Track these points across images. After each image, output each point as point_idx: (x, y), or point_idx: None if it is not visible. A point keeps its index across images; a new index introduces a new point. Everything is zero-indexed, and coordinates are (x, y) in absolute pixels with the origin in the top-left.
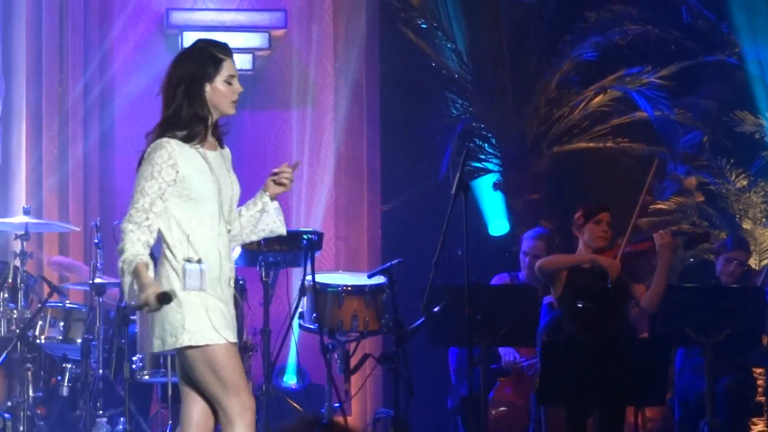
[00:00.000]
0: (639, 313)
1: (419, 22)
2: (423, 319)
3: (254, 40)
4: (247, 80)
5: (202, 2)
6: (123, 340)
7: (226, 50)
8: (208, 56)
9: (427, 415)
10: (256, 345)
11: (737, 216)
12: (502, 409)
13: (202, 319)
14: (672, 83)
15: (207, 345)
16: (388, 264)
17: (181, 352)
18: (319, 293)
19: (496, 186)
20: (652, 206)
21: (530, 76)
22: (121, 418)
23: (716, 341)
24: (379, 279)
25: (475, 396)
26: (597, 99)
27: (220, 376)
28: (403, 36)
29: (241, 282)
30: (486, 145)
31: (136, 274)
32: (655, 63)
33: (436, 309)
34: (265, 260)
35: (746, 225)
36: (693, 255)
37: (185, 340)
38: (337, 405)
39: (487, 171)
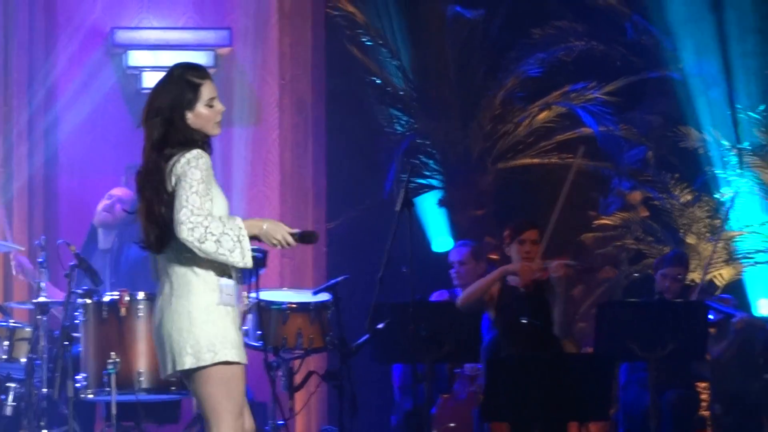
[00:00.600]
0: (584, 329)
1: (364, 40)
2: (367, 336)
3: (199, 58)
4: None
5: (147, 21)
6: (67, 359)
7: (202, 73)
8: (186, 83)
9: None
10: None
11: (681, 231)
12: (446, 425)
13: (234, 335)
14: (617, 99)
15: (237, 363)
16: (332, 281)
17: (202, 370)
18: (263, 310)
19: (441, 202)
20: (596, 221)
21: (475, 92)
22: None
23: (660, 356)
24: (324, 296)
25: (419, 412)
26: (542, 115)
27: (232, 396)
28: (348, 53)
29: None
30: (431, 161)
31: (244, 230)
32: (600, 79)
33: (380, 326)
34: None
35: (690, 240)
36: (637, 270)
37: (223, 356)
38: (281, 422)
39: (432, 187)
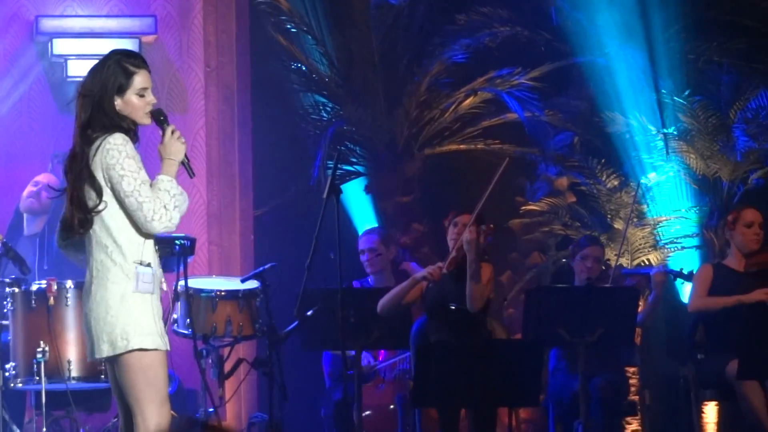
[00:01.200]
0: (513, 315)
1: (289, 27)
2: (296, 323)
3: (124, 45)
4: None
5: (72, 9)
6: None
7: (139, 61)
8: (120, 68)
9: (301, 420)
10: None
11: (608, 216)
12: (368, 413)
13: (150, 323)
14: (542, 84)
15: (155, 350)
16: (261, 268)
17: (120, 357)
18: (192, 298)
19: (368, 189)
20: (523, 208)
21: (400, 79)
22: None
23: (589, 341)
24: (253, 283)
25: (349, 400)
26: (467, 101)
27: (153, 383)
28: (273, 40)
29: None
30: (357, 148)
31: (174, 183)
32: (525, 64)
33: (309, 313)
34: None
35: (617, 225)
36: (565, 256)
37: (136, 343)
38: (211, 410)
39: (359, 174)
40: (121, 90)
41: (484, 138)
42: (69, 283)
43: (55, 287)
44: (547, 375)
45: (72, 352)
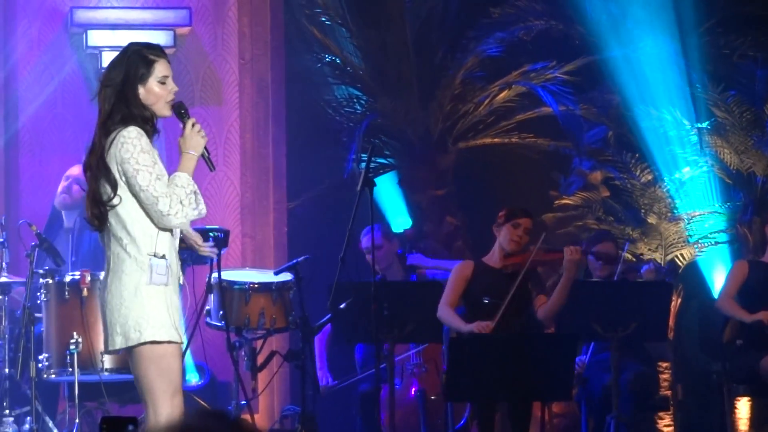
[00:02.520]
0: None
1: (323, 19)
2: (330, 315)
3: (159, 38)
4: None
5: (107, 0)
6: (29, 339)
7: (158, 51)
8: (140, 57)
9: (333, 412)
10: None
11: (642, 211)
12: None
13: (163, 315)
14: (576, 78)
15: (168, 342)
16: (294, 261)
17: (134, 349)
18: (225, 291)
19: (401, 182)
20: (557, 201)
21: (434, 72)
22: (28, 418)
23: (622, 335)
24: (286, 276)
25: (376, 392)
26: (502, 95)
27: (166, 375)
28: (307, 33)
29: None
30: (391, 141)
31: (191, 181)
32: (560, 58)
33: (342, 305)
34: None
35: (651, 219)
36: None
37: (149, 335)
38: (243, 402)
39: (392, 167)
40: (143, 78)
41: (518, 132)
42: (103, 275)
43: (89, 278)
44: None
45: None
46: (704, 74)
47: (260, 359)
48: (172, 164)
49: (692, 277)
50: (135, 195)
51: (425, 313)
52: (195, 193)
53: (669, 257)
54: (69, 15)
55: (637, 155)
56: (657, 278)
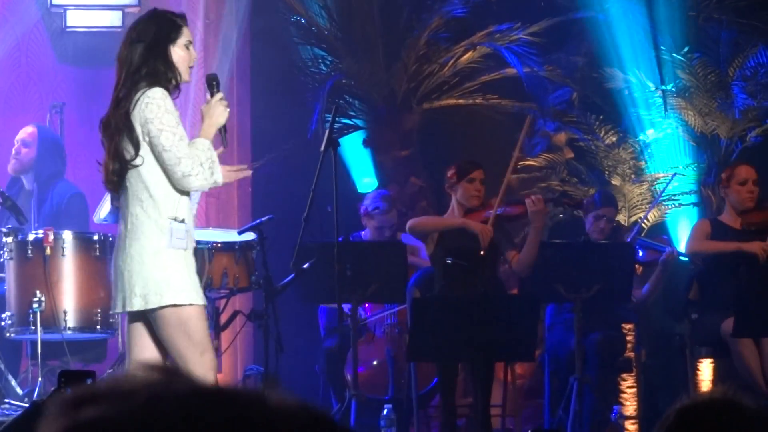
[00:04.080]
0: (509, 270)
1: None
2: (293, 275)
3: None
4: (117, 37)
5: None
6: None
7: (183, 18)
8: (168, 20)
9: (297, 373)
10: None
11: (606, 172)
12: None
13: (184, 278)
14: (541, 40)
15: (189, 305)
16: (258, 221)
17: (155, 312)
18: None
19: (366, 143)
20: (521, 162)
21: (400, 32)
22: None
23: (586, 297)
24: (249, 235)
25: (342, 351)
26: (466, 56)
27: (192, 336)
28: None
29: (111, 239)
30: (355, 101)
31: (211, 147)
32: (525, 19)
33: (306, 266)
34: None
35: (615, 181)
36: (562, 212)
37: (170, 299)
38: None
39: (357, 128)
40: (174, 39)
41: (482, 93)
42: (66, 233)
43: (52, 237)
44: (543, 330)
45: (68, 302)
46: (669, 36)
47: (223, 319)
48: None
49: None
50: (157, 155)
51: (389, 273)
52: (213, 161)
53: (633, 219)
54: None
55: (601, 117)
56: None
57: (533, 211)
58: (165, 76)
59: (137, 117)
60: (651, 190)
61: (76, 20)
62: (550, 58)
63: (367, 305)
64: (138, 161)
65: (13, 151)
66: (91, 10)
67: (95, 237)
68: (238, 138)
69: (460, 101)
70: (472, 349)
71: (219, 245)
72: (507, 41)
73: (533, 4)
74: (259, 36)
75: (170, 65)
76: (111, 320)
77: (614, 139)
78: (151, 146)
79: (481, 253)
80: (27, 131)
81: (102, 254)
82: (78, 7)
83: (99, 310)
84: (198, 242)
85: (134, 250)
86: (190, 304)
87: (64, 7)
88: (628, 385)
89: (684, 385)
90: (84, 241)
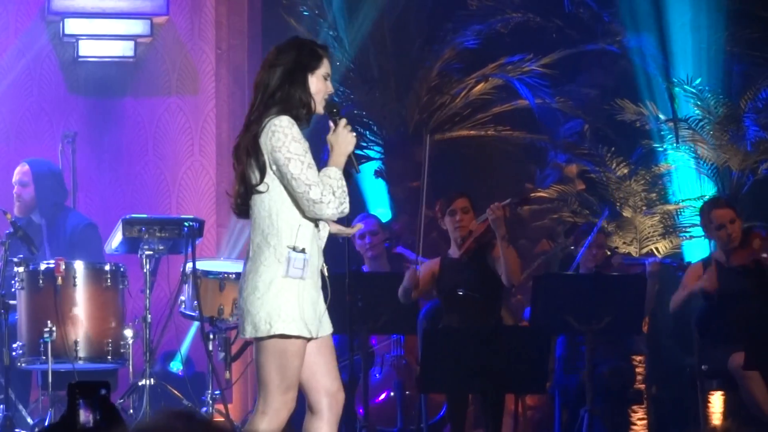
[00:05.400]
0: (521, 301)
1: (301, 9)
2: None
3: (136, 27)
4: (128, 67)
5: None
6: (3, 327)
7: (326, 49)
8: (310, 49)
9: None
10: (138, 332)
11: (617, 204)
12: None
13: (295, 309)
14: (553, 71)
15: (297, 337)
16: None
17: (258, 340)
18: (200, 280)
19: (378, 174)
20: (533, 194)
21: (412, 63)
22: (1, 406)
23: (596, 329)
24: None
25: (350, 383)
26: (478, 87)
27: (283, 370)
28: (285, 23)
29: (122, 269)
30: (368, 132)
31: (341, 176)
32: (537, 51)
33: None
34: (146, 247)
35: (626, 213)
36: (573, 243)
37: (278, 329)
38: (217, 392)
39: (369, 159)
40: (313, 69)
41: (494, 124)
42: (78, 263)
43: (63, 267)
44: (554, 362)
45: (79, 333)
46: (681, 69)
47: (234, 349)
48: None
49: (667, 271)
50: (286, 184)
51: (399, 304)
52: (344, 190)
53: (644, 250)
54: (46, 3)
55: (612, 149)
56: (661, 271)
57: (493, 219)
58: (299, 104)
59: (264, 144)
60: (663, 221)
61: (88, 50)
62: (561, 90)
63: (373, 338)
64: (262, 188)
65: (14, 194)
66: (103, 40)
67: (106, 267)
68: None
69: (472, 132)
70: (482, 380)
71: (231, 276)
72: (519, 73)
73: (545, 35)
74: None
75: (307, 93)
76: (122, 350)
77: (626, 171)
78: (279, 175)
79: (462, 260)
80: (21, 171)
81: (113, 284)
82: (90, 37)
83: (110, 340)
84: (209, 272)
85: (251, 278)
86: (298, 337)
87: (77, 37)
88: (639, 417)
89: (695, 417)
90: (95, 272)
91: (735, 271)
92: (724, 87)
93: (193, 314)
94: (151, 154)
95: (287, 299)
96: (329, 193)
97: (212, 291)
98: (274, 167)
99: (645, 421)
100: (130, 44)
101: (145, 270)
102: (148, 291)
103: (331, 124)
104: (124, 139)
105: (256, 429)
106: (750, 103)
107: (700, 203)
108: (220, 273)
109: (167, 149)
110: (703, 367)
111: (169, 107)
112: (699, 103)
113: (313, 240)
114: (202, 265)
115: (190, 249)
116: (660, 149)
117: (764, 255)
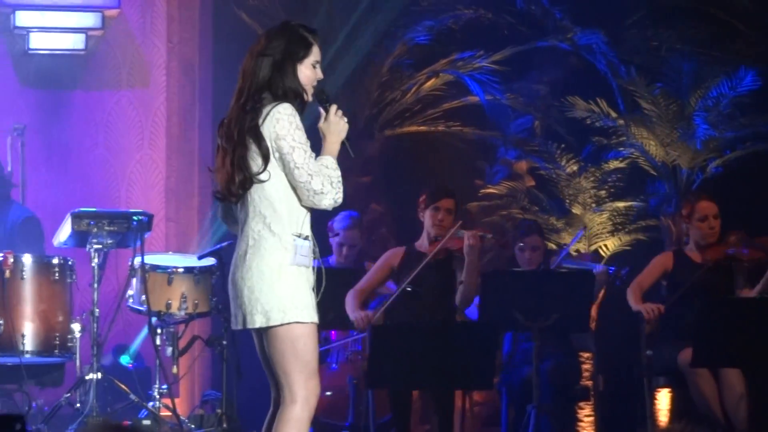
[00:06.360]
0: None
1: (252, 4)
2: None
3: (87, 19)
4: (79, 60)
5: None
6: None
7: (316, 35)
8: (300, 37)
9: (255, 397)
10: (85, 326)
11: (567, 201)
12: (327, 393)
13: (306, 296)
14: (504, 68)
15: (311, 322)
16: (218, 246)
17: (272, 329)
18: (148, 274)
19: None
20: (482, 191)
21: (362, 59)
22: None
23: (544, 326)
24: (209, 261)
25: None
26: (429, 83)
27: (301, 356)
28: (236, 18)
29: (70, 263)
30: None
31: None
32: (488, 48)
33: None
34: (94, 241)
35: (576, 210)
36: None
37: (293, 317)
38: (165, 387)
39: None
40: (301, 58)
41: (444, 120)
42: (26, 257)
43: (12, 260)
44: (501, 358)
45: (26, 326)
46: (632, 66)
47: (182, 344)
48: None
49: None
50: (288, 172)
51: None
52: (339, 180)
53: (593, 247)
54: None
55: (562, 145)
56: (607, 280)
57: (468, 245)
58: (292, 94)
59: (268, 131)
60: (612, 219)
61: (39, 42)
62: (512, 87)
63: (332, 332)
64: (264, 176)
65: None
66: (54, 33)
67: (54, 261)
68: (200, 163)
69: (422, 128)
70: (431, 376)
71: (179, 270)
72: (470, 69)
73: (497, 32)
74: (222, 61)
75: (297, 83)
76: (69, 344)
77: (575, 168)
78: (282, 163)
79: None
80: None
81: (61, 278)
82: (41, 29)
83: (57, 334)
84: (157, 266)
85: (256, 266)
86: (312, 322)
87: (28, 29)
88: (586, 414)
89: (642, 414)
90: (43, 265)
91: (706, 269)
92: (674, 85)
93: (141, 308)
94: (101, 148)
95: (297, 286)
96: (328, 183)
97: (160, 285)
98: (276, 155)
99: (592, 418)
100: (81, 37)
101: (93, 264)
102: (96, 285)
103: (322, 111)
104: (74, 132)
105: (289, 419)
106: (700, 102)
107: (649, 201)
108: (168, 267)
109: (117, 142)
110: (648, 352)
111: (119, 100)
112: (649, 101)
113: (309, 226)
114: (151, 259)
115: (138, 243)
116: (610, 147)
117: (744, 251)
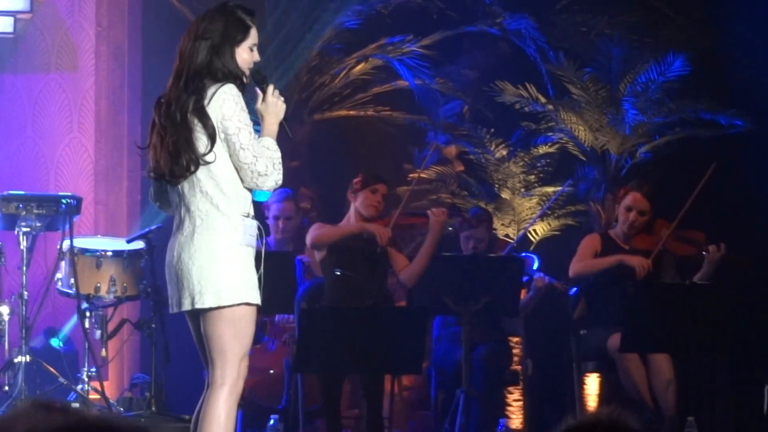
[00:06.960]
0: (396, 282)
1: None
2: None
3: (15, 2)
4: (8, 43)
5: None
6: None
7: (254, 17)
8: (238, 19)
9: (184, 381)
10: (14, 309)
11: (496, 186)
12: (256, 378)
13: (254, 276)
14: (433, 53)
15: (254, 304)
16: (147, 229)
17: (213, 309)
18: (77, 257)
19: None
20: (411, 175)
21: (292, 43)
22: None
23: (473, 310)
24: (138, 244)
25: None
26: (358, 67)
27: (241, 337)
28: (166, 2)
29: None
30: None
31: (269, 140)
32: (417, 32)
33: None
34: (23, 224)
35: (505, 195)
36: (452, 224)
37: (245, 297)
38: (93, 370)
39: None
40: (239, 41)
41: (374, 105)
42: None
43: None
44: (430, 343)
45: None
46: (561, 51)
47: (110, 327)
48: None
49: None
50: (233, 153)
51: (277, 283)
52: (280, 161)
53: (522, 232)
54: None
55: (492, 130)
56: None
57: (435, 221)
58: (231, 76)
59: (214, 112)
60: (540, 203)
61: None
62: (441, 71)
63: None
64: (210, 157)
65: None
66: None
67: None
68: (129, 147)
69: (351, 112)
70: (359, 361)
71: (107, 253)
72: (399, 53)
73: (426, 17)
74: (152, 45)
75: (236, 66)
76: None
77: (504, 152)
78: (227, 143)
79: (378, 251)
80: None
81: None
82: None
83: None
84: (86, 250)
85: (205, 245)
86: (257, 304)
87: None
88: (515, 398)
89: (570, 399)
90: None
91: (632, 251)
92: (604, 70)
93: (70, 291)
94: (29, 131)
95: (247, 267)
96: (271, 165)
97: (89, 268)
98: (222, 135)
99: (521, 402)
100: (10, 20)
101: (22, 247)
102: (24, 268)
103: (259, 92)
104: (2, 114)
105: (217, 401)
106: (629, 87)
107: (578, 187)
108: (97, 251)
109: (46, 126)
110: (582, 331)
111: (48, 84)
112: (578, 86)
113: (251, 206)
114: (80, 242)
115: (67, 226)
116: (539, 132)
117: (702, 251)
